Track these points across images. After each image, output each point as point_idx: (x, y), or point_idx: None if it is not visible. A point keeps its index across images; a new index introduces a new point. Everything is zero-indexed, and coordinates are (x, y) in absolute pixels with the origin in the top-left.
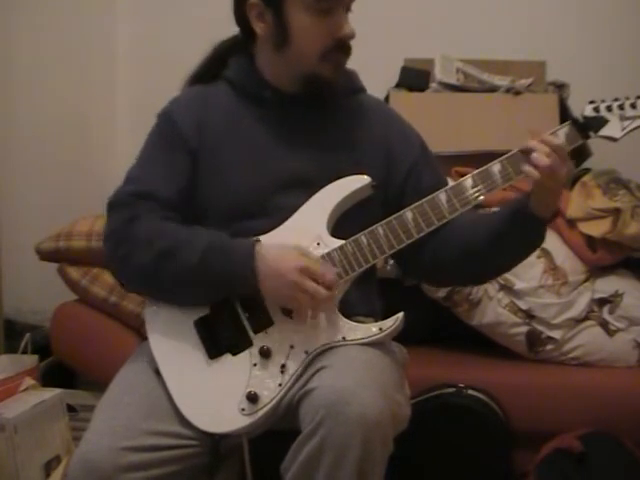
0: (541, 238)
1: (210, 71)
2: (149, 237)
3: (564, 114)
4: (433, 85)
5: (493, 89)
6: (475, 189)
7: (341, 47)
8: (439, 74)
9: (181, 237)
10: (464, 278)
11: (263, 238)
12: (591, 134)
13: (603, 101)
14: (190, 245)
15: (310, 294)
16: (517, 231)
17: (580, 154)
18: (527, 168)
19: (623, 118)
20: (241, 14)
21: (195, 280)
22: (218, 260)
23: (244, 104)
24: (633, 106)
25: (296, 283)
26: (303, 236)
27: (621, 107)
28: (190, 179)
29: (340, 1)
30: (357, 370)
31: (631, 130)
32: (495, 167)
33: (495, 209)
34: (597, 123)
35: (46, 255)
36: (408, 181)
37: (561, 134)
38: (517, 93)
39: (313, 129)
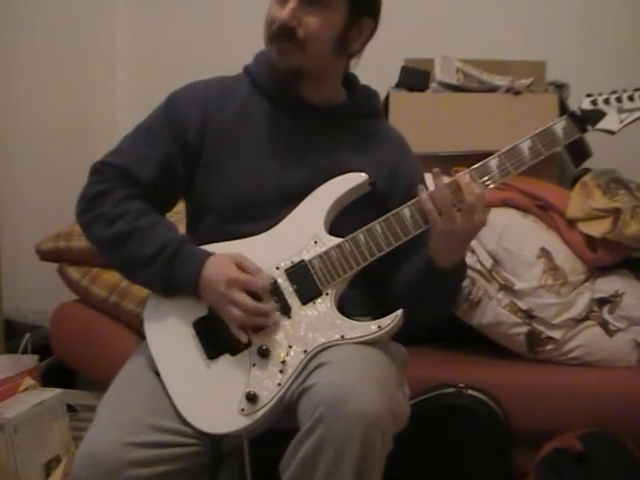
0: (440, 287)
1: None
2: (112, 215)
3: (564, 114)
4: (433, 85)
5: (493, 89)
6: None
7: (280, 31)
8: (439, 74)
9: (141, 225)
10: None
11: (258, 237)
12: (588, 127)
13: (600, 94)
14: (147, 237)
15: (237, 304)
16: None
17: (580, 154)
18: (425, 201)
19: (621, 111)
20: None
21: (142, 271)
22: (166, 263)
23: (261, 102)
24: (631, 98)
25: (223, 294)
26: (300, 234)
27: (619, 100)
28: (172, 170)
29: None
30: (356, 367)
31: (629, 123)
32: (493, 162)
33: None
34: (595, 116)
35: (46, 255)
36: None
37: (558, 129)
38: (517, 93)
39: (325, 143)
